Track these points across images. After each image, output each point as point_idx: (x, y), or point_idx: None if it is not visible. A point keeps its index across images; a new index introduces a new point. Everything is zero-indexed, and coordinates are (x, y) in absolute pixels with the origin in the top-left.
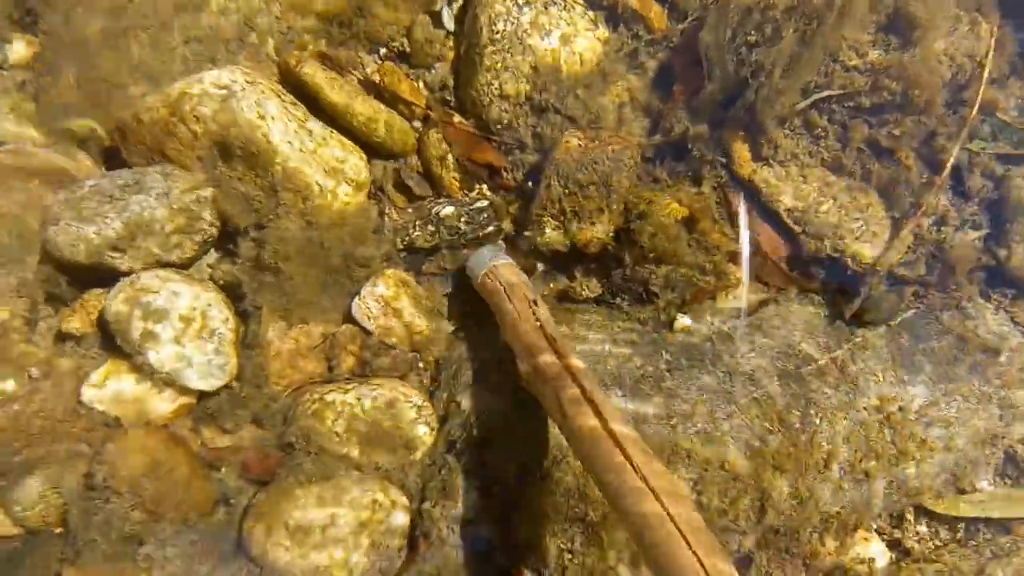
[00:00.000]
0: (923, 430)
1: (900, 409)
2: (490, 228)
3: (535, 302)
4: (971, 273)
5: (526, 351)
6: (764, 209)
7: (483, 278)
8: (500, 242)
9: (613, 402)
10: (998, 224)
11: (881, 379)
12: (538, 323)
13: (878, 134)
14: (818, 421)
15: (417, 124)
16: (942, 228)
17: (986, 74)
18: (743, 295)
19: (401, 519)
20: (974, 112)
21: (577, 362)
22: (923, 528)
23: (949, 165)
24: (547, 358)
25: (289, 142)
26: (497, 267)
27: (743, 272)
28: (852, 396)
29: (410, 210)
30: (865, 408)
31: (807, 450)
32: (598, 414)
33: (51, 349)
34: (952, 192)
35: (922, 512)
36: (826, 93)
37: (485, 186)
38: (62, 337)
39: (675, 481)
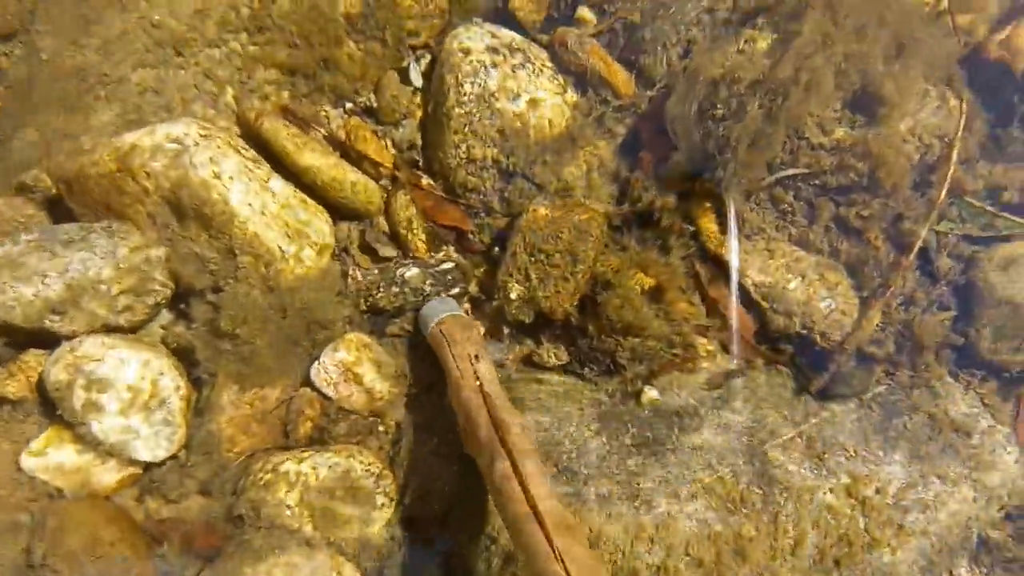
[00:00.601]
0: (900, 515)
1: (877, 491)
2: (455, 290)
3: (477, 357)
4: (940, 353)
5: (464, 413)
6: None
7: (431, 332)
8: (449, 297)
9: (544, 479)
10: (966, 305)
11: (854, 455)
12: (478, 383)
13: (846, 213)
14: (782, 502)
15: (384, 183)
16: (910, 308)
17: (955, 154)
18: (734, 351)
19: None
20: (943, 195)
21: (515, 431)
22: None
23: (917, 247)
24: (483, 424)
25: (249, 204)
26: (444, 320)
27: (733, 331)
28: (820, 474)
29: (375, 271)
30: (832, 489)
31: (771, 534)
32: (526, 492)
33: None
34: (920, 272)
35: None
36: (791, 171)
37: (452, 248)
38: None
39: (598, 569)
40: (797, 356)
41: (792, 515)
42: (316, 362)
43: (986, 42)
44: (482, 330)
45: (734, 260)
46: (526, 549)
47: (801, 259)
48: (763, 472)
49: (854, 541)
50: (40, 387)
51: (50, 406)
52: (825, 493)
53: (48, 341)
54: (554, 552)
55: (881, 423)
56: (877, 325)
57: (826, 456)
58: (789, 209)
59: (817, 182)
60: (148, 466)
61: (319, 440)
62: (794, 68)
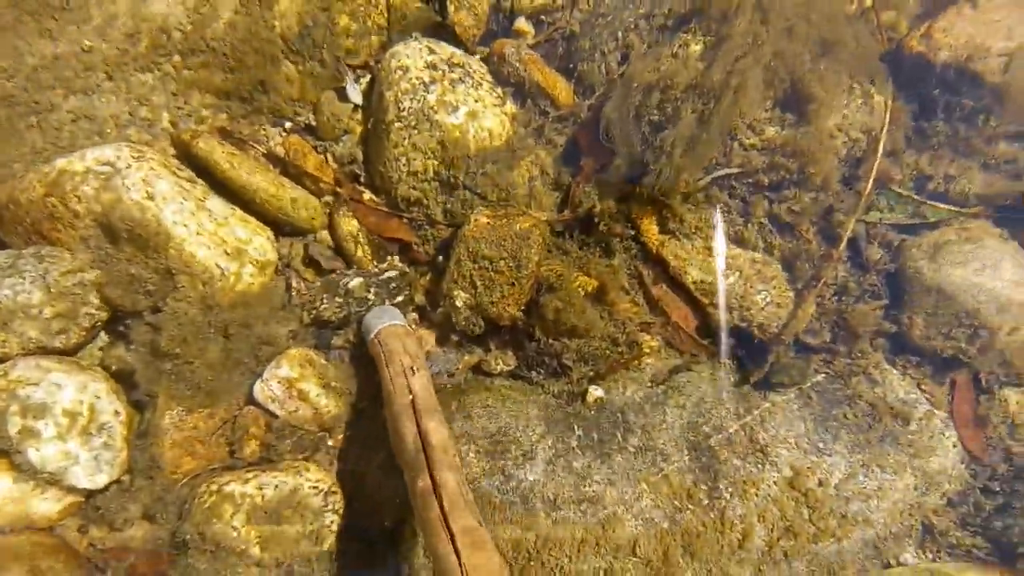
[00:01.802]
0: (843, 505)
1: (820, 483)
2: (400, 298)
3: (412, 370)
4: (874, 341)
5: (392, 427)
6: (673, 281)
7: (370, 343)
8: (391, 306)
9: (461, 496)
10: (897, 293)
11: (795, 447)
12: (410, 397)
13: (778, 209)
14: (728, 496)
15: (327, 199)
16: (844, 298)
17: (880, 147)
18: (723, 350)
19: None
20: (869, 186)
21: (438, 446)
22: None
23: (846, 237)
24: (409, 438)
25: (184, 224)
26: (381, 331)
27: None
28: (763, 468)
29: (318, 283)
30: (776, 482)
31: (718, 529)
32: (442, 510)
33: None
34: (851, 263)
35: None
36: (724, 171)
37: (396, 258)
38: None
39: None
40: (737, 348)
41: (738, 510)
42: (259, 380)
43: (907, 38)
44: (424, 340)
45: (720, 263)
46: (438, 565)
47: (737, 256)
48: (709, 467)
49: (800, 533)
50: None
51: None
52: (770, 486)
53: None
54: (462, 570)
55: (821, 413)
56: (812, 315)
57: (769, 449)
58: (724, 209)
59: (750, 181)
60: (90, 494)
61: (266, 459)
62: (725, 71)
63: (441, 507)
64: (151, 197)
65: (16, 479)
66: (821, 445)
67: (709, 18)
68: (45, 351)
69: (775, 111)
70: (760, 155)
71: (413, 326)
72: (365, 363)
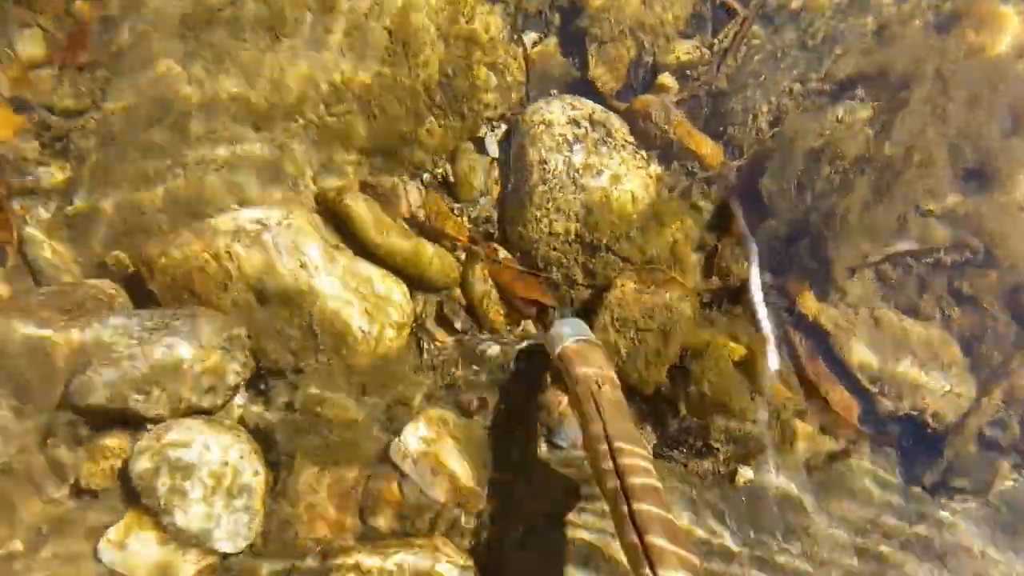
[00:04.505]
0: None
1: None
2: (538, 366)
3: (598, 384)
4: None
5: (590, 459)
6: (834, 361)
7: (554, 361)
8: (572, 317)
9: (668, 545)
10: None
11: (979, 557)
12: (602, 424)
13: (959, 284)
14: None
15: (460, 254)
16: None
17: None
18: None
19: None
20: None
21: (637, 479)
22: None
23: None
24: (608, 475)
25: (330, 284)
26: (565, 349)
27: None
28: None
29: (450, 346)
30: None
31: None
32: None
33: (66, 503)
34: None
35: None
36: (899, 249)
37: (531, 322)
38: (79, 491)
39: None
40: (908, 441)
41: None
42: (396, 439)
43: None
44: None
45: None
46: None
47: (910, 333)
48: (878, 572)
49: None
50: (121, 475)
51: (132, 495)
52: None
53: (131, 423)
54: None
55: (1010, 523)
56: (998, 406)
57: (947, 557)
58: (897, 284)
59: (929, 260)
60: (224, 557)
61: (400, 531)
62: (905, 143)
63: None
64: (302, 262)
65: (160, 540)
66: (1012, 555)
67: (877, 84)
68: (191, 410)
69: (957, 185)
70: (941, 227)
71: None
72: (501, 431)
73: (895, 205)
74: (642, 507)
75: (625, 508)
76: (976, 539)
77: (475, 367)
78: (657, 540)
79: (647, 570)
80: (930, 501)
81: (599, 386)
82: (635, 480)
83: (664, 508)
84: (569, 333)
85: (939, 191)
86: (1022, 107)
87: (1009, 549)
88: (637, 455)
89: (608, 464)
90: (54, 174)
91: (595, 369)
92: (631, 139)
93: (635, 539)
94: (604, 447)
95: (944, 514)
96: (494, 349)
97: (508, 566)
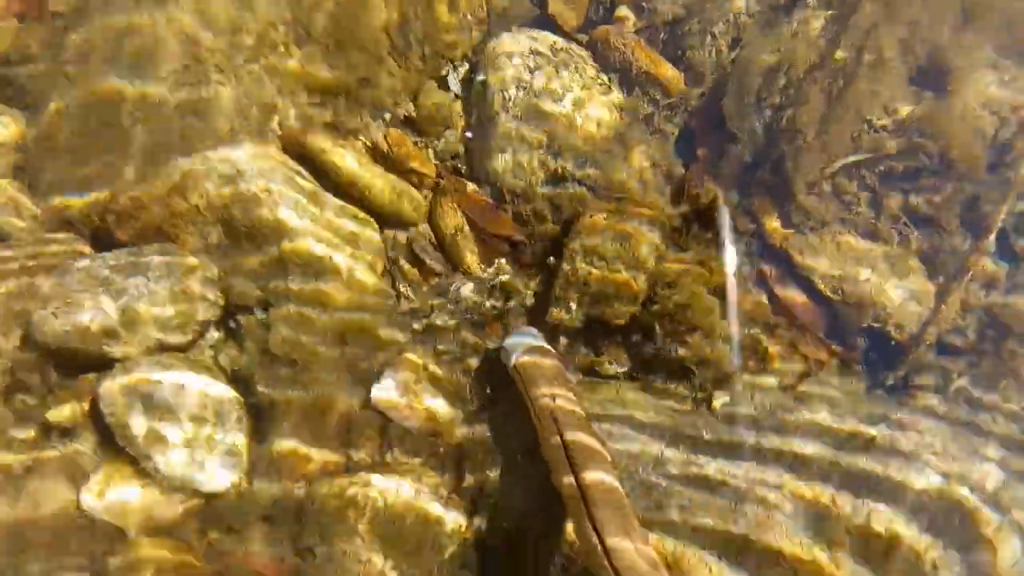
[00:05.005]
0: (998, 514)
1: (971, 490)
2: (511, 304)
3: (554, 397)
4: None
5: (549, 464)
6: (799, 278)
7: (511, 371)
8: (527, 327)
9: (627, 543)
10: None
11: (942, 453)
12: (557, 431)
13: (916, 200)
14: (872, 504)
15: (427, 193)
16: (991, 293)
17: None
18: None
19: None
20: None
21: (595, 486)
22: None
23: (996, 228)
24: (564, 479)
25: (300, 220)
26: (520, 358)
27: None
28: (907, 475)
29: (425, 288)
30: (925, 490)
31: (864, 536)
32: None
33: (36, 443)
34: (999, 254)
35: None
36: (855, 158)
37: (504, 260)
38: (49, 429)
39: None
40: (871, 351)
41: (883, 517)
42: (376, 382)
43: None
44: (559, 361)
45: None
46: None
47: (870, 250)
48: (849, 474)
49: (950, 544)
50: (95, 415)
51: (107, 433)
52: (917, 493)
53: (102, 365)
54: None
55: (968, 418)
56: (956, 312)
57: (913, 455)
58: (854, 200)
59: (882, 168)
60: (210, 497)
61: (382, 463)
62: (855, 47)
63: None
64: (268, 192)
65: (143, 485)
66: (972, 451)
67: None
68: (162, 348)
69: (910, 88)
70: (893, 137)
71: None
72: (478, 371)
73: (849, 112)
74: (601, 512)
75: (584, 510)
76: (936, 437)
77: (451, 309)
78: (619, 542)
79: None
80: (893, 404)
81: (554, 399)
82: (595, 489)
83: (624, 509)
84: (522, 344)
85: (892, 96)
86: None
87: (967, 446)
88: (597, 463)
89: (568, 477)
90: (8, 125)
91: (549, 382)
92: (593, 65)
93: (595, 540)
94: (562, 456)
95: (905, 411)
96: (467, 288)
97: (490, 496)
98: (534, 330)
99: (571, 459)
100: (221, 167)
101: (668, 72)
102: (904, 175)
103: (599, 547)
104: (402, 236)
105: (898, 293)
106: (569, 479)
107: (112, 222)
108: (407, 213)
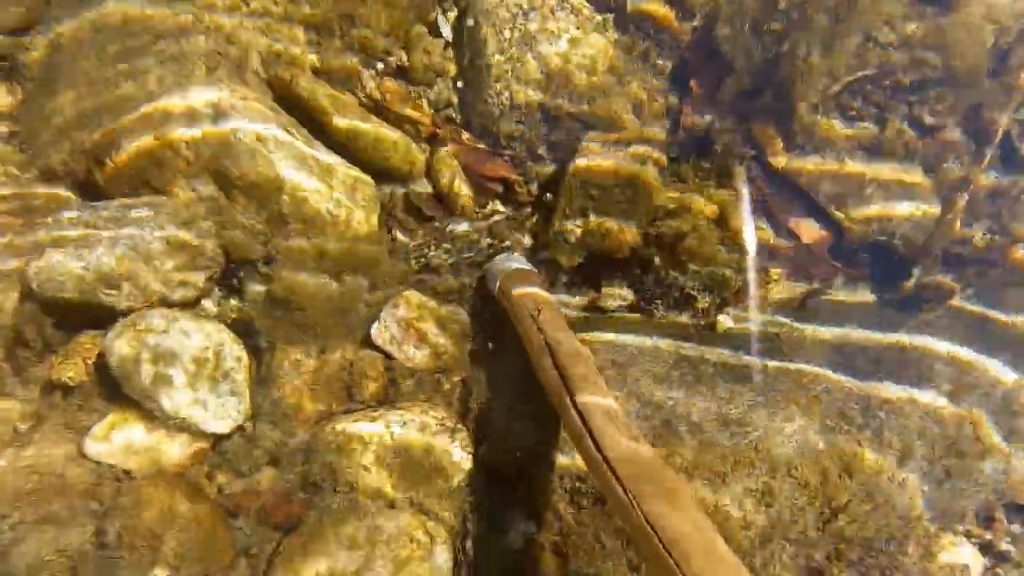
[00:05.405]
0: (1011, 420)
1: (985, 396)
2: (507, 242)
3: (538, 311)
4: None
5: (537, 375)
6: (803, 198)
7: (496, 292)
8: (513, 252)
9: (610, 428)
10: None
11: (950, 362)
12: (543, 338)
13: (920, 112)
14: (883, 416)
15: (424, 145)
16: (997, 201)
17: None
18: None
19: (442, 556)
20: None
21: (581, 385)
22: (1017, 527)
23: (999, 136)
24: (553, 384)
25: (294, 168)
26: (502, 279)
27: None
28: (918, 385)
29: (422, 231)
30: (935, 399)
31: (876, 449)
32: (598, 447)
33: (40, 400)
34: (1004, 163)
35: (1014, 509)
36: (860, 74)
37: (498, 201)
38: (52, 387)
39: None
40: (877, 267)
41: (896, 428)
42: (377, 321)
43: None
44: (543, 278)
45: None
46: (611, 500)
47: (876, 165)
48: (858, 388)
49: (965, 451)
50: (100, 369)
51: (110, 388)
52: (928, 403)
53: (103, 320)
54: (628, 498)
55: (977, 325)
56: (961, 223)
57: (922, 365)
58: (858, 116)
59: (888, 83)
60: (216, 440)
61: (385, 401)
62: None
63: (597, 445)
64: (261, 140)
65: (148, 428)
66: (980, 358)
67: None
68: (167, 304)
69: (915, 5)
70: (899, 53)
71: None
72: (479, 306)
73: (854, 31)
74: (586, 399)
75: (568, 400)
76: (944, 346)
77: (446, 247)
78: (596, 419)
79: (590, 444)
80: (902, 316)
81: (538, 309)
82: (579, 381)
83: (605, 395)
84: (504, 266)
85: (897, 12)
86: None
87: (977, 351)
88: (579, 360)
89: (552, 371)
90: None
91: (532, 292)
92: (588, 3)
93: (580, 425)
94: (548, 358)
95: (913, 323)
96: (461, 227)
97: (497, 429)
98: (517, 255)
99: (559, 368)
100: (205, 109)
101: (660, 8)
102: (909, 89)
103: (583, 427)
104: (399, 187)
105: (903, 206)
106: (555, 377)
107: (99, 173)
108: (404, 165)
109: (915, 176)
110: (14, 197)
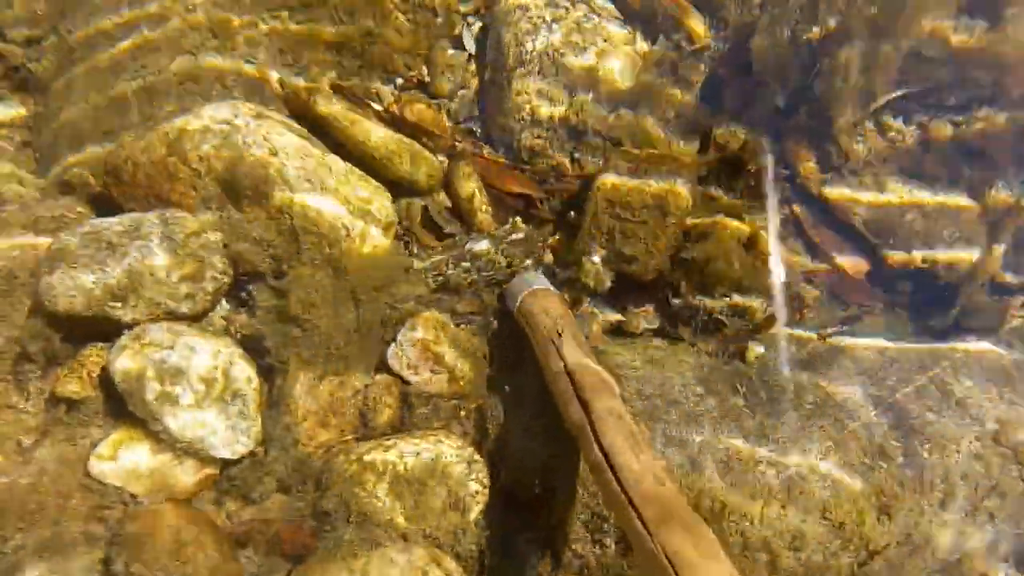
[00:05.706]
0: None
1: None
2: (528, 261)
3: (559, 334)
4: None
5: (555, 399)
6: (838, 222)
7: (515, 313)
8: (536, 271)
9: (635, 464)
10: None
11: (997, 398)
12: (563, 364)
13: (966, 132)
14: (925, 454)
15: (442, 158)
16: None
17: None
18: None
19: None
20: None
21: (603, 414)
22: None
23: None
24: (572, 410)
25: (308, 181)
26: (523, 299)
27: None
28: (962, 422)
29: (440, 248)
30: (979, 437)
31: (916, 488)
32: (620, 484)
33: (44, 415)
34: None
35: None
36: (903, 91)
37: (519, 218)
38: (56, 401)
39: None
40: (918, 294)
41: (938, 467)
42: (393, 343)
43: None
44: (565, 300)
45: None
46: (630, 536)
47: (915, 188)
48: (898, 423)
49: (1008, 491)
50: (105, 383)
51: (116, 404)
52: (971, 442)
53: (109, 333)
54: (651, 538)
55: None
56: (1009, 250)
57: (967, 401)
58: (898, 137)
59: (931, 101)
60: (225, 466)
61: (401, 428)
62: None
63: (618, 480)
64: (274, 153)
65: (154, 450)
66: None
67: None
68: (173, 317)
69: (961, 18)
70: (945, 68)
71: None
72: (498, 330)
73: (896, 44)
74: (608, 434)
75: (590, 433)
76: (990, 381)
77: (465, 266)
78: (619, 457)
79: (612, 479)
80: (944, 346)
81: (559, 334)
82: (602, 414)
83: (634, 435)
84: (525, 286)
85: (942, 25)
86: None
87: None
88: (603, 391)
89: (574, 404)
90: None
91: (554, 320)
92: (617, 15)
93: (602, 460)
94: (568, 387)
95: (958, 355)
96: (482, 245)
97: (513, 456)
98: (536, 274)
99: (577, 389)
100: (218, 126)
101: (693, 17)
102: (954, 108)
103: (605, 463)
104: (416, 201)
105: (947, 232)
106: (576, 408)
107: (113, 186)
108: (422, 180)
109: (959, 200)
110: (26, 209)
